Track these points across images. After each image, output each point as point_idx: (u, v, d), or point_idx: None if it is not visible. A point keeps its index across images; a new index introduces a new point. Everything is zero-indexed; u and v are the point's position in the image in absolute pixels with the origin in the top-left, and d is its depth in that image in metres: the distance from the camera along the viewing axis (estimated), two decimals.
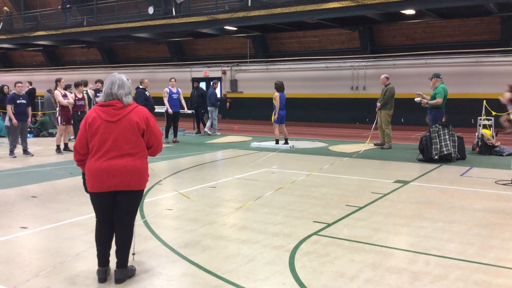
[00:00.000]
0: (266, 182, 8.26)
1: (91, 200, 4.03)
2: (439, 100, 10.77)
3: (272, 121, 12.69)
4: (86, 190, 4.08)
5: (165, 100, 14.30)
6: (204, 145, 13.74)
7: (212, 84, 16.71)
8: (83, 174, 4.06)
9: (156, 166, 9.79)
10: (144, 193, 7.17)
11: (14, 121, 10.91)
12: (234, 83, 24.06)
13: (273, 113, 12.52)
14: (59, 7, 24.66)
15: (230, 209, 6.34)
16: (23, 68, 32.55)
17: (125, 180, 3.88)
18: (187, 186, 7.91)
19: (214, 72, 24.58)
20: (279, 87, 12.42)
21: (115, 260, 4.03)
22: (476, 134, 12.05)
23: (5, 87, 15.71)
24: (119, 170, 3.86)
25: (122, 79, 4.01)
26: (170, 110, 14.19)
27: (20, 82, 11.44)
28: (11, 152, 11.16)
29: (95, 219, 4.07)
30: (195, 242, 5.02)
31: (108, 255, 4.06)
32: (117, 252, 4.02)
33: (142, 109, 4.07)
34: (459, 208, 6.48)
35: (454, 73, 18.46)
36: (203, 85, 23.32)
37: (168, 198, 7.00)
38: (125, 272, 4.03)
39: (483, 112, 12.18)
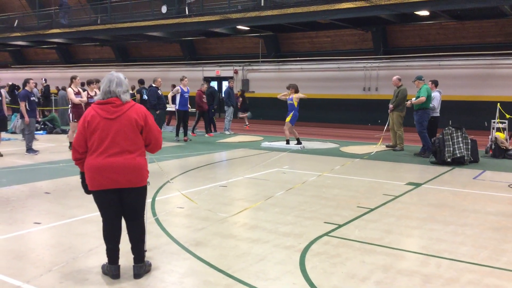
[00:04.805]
0: (277, 182, 8.26)
1: (94, 199, 4.04)
2: (422, 98, 11.16)
3: (288, 121, 12.65)
4: (86, 191, 4.09)
5: (170, 96, 14.59)
6: (215, 144, 13.77)
7: (228, 82, 16.72)
8: (82, 174, 4.08)
9: (168, 165, 9.85)
10: (156, 191, 7.28)
11: (27, 119, 11.01)
12: (245, 83, 24.07)
13: (291, 114, 12.52)
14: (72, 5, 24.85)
15: (240, 208, 6.35)
16: (37, 66, 32.87)
17: (126, 178, 3.90)
18: (198, 185, 7.94)
19: (226, 71, 24.61)
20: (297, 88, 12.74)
21: (132, 256, 4.10)
22: (490, 137, 11.95)
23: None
24: (119, 167, 3.88)
25: (120, 77, 4.04)
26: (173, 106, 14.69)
27: (32, 79, 11.49)
28: (30, 149, 11.22)
29: (101, 218, 4.10)
30: (206, 240, 5.04)
31: (118, 252, 4.10)
32: (133, 248, 4.09)
33: (140, 106, 4.10)
34: (471, 211, 6.43)
35: (468, 75, 18.30)
36: (214, 84, 23.36)
37: (179, 197, 7.03)
38: (143, 267, 4.10)
39: (497, 115, 12.07)
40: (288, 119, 12.64)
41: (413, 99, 11.47)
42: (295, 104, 12.56)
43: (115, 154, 3.89)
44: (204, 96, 15.60)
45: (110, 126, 3.90)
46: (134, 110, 4.00)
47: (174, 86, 18.36)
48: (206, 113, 15.85)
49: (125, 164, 3.89)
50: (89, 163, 3.92)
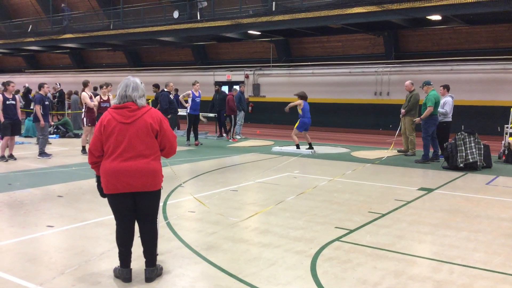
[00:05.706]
0: (288, 186, 8.26)
1: (109, 203, 4.08)
2: (430, 109, 11.02)
3: (295, 127, 12.72)
4: (101, 194, 4.14)
5: (181, 98, 14.59)
6: (226, 148, 13.80)
7: (239, 87, 16.78)
8: (98, 177, 4.12)
9: (179, 169, 9.89)
10: (167, 195, 7.31)
11: (42, 122, 11.13)
12: (256, 87, 24.12)
13: (299, 121, 12.61)
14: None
15: (251, 213, 6.36)
16: (50, 70, 33.24)
17: (140, 182, 3.94)
18: (209, 189, 7.96)
19: (237, 76, 24.68)
20: (304, 96, 12.74)
21: (144, 260, 4.13)
22: (503, 142, 11.83)
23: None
24: (134, 171, 3.92)
25: (136, 82, 4.09)
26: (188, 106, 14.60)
27: (46, 84, 11.66)
28: (43, 152, 11.34)
29: (115, 222, 4.14)
30: (217, 245, 5.05)
31: (130, 255, 4.13)
32: (145, 252, 4.13)
33: (156, 111, 4.14)
34: (484, 217, 6.37)
35: (481, 80, 18.15)
36: (225, 88, 23.43)
37: (190, 201, 7.05)
38: (155, 271, 4.13)
39: (510, 120, 11.95)
40: (296, 125, 12.76)
41: (417, 119, 11.54)
42: (299, 111, 12.60)
43: (131, 158, 3.93)
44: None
45: (126, 130, 3.95)
46: (150, 115, 4.04)
47: (176, 90, 18.44)
48: (228, 117, 15.90)
49: (140, 168, 3.93)
50: (105, 166, 3.96)
